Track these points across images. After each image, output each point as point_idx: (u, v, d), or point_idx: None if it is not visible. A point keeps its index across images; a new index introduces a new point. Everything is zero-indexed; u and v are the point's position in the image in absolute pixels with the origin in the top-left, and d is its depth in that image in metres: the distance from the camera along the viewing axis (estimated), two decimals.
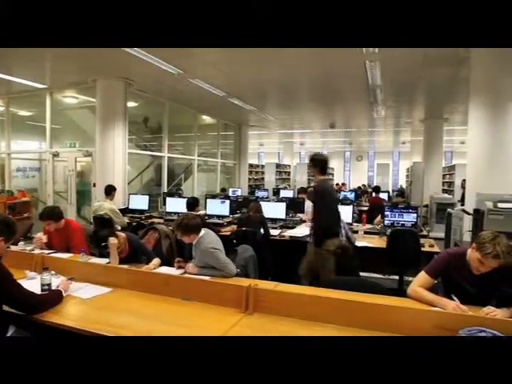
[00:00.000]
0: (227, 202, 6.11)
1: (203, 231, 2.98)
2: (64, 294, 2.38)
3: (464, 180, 7.54)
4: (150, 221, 5.96)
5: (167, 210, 6.58)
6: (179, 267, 3.00)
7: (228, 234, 4.79)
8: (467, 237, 4.55)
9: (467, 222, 4.80)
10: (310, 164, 3.90)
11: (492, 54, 4.81)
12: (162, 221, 6.00)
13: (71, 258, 3.26)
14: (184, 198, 6.32)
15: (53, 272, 2.56)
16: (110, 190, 6.04)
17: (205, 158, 12.14)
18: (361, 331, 1.93)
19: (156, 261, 3.13)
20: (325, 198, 3.64)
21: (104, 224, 4.49)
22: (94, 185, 7.17)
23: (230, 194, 9.49)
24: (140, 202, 6.89)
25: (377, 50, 5.48)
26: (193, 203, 5.32)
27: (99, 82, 6.95)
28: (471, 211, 4.39)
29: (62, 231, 3.61)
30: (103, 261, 3.12)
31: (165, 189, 9.36)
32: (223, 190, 10.67)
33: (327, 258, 3.43)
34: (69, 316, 2.18)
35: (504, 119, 4.82)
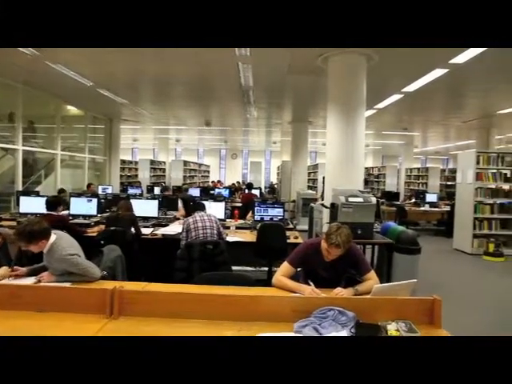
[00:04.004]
0: (94, 200, 5.66)
1: (54, 236, 2.64)
2: None
3: (324, 177, 8.43)
4: None
5: (21, 211, 5.78)
6: (16, 276, 2.62)
7: (95, 234, 4.45)
8: (326, 228, 5.10)
9: (326, 215, 5.38)
10: None
11: (344, 66, 5.49)
12: (14, 223, 5.22)
13: None
14: (43, 196, 5.63)
15: None
16: None
17: (70, 153, 11.03)
18: (227, 323, 2.00)
19: (3, 270, 2.70)
20: None
21: None
22: None
23: (100, 192, 8.82)
24: None
25: (248, 52, 5.72)
26: (54, 202, 4.76)
27: None
28: (329, 205, 4.92)
29: None
30: None
31: (19, 186, 8.20)
32: (89, 185, 9.74)
33: None
34: None
35: (354, 125, 5.54)
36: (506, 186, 7.99)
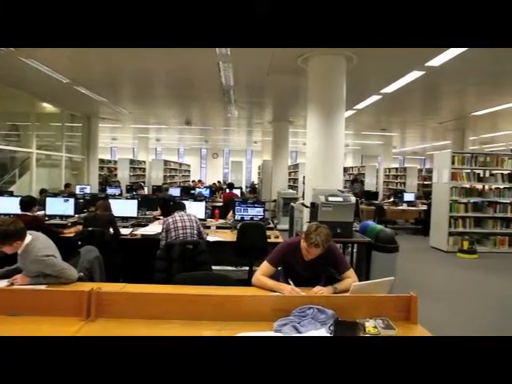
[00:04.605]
0: (71, 200, 5.54)
1: (30, 236, 2.56)
2: None
3: (304, 177, 8.49)
4: None
5: None
6: None
7: (72, 235, 4.35)
8: (306, 227, 5.14)
9: (307, 214, 5.42)
10: None
11: (324, 66, 5.55)
12: None
13: None
14: (17, 196, 5.46)
15: None
16: None
17: (46, 152, 10.75)
18: (207, 323, 1.98)
19: None
20: None
21: None
22: None
23: (78, 192, 8.63)
24: None
25: (229, 52, 5.71)
26: (28, 202, 4.63)
27: None
28: (309, 205, 4.96)
29: None
30: None
31: None
32: (67, 185, 9.54)
33: None
34: None
35: (334, 125, 5.60)
36: (479, 186, 8.24)
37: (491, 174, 8.25)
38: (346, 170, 19.50)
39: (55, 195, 5.92)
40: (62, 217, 5.47)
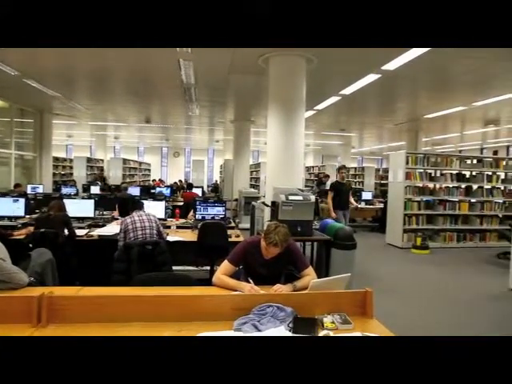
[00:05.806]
0: (22, 200, 5.25)
1: None
2: None
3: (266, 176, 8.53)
4: None
5: None
6: None
7: (22, 237, 4.13)
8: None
9: (268, 213, 5.46)
10: None
11: (284, 67, 5.62)
12: None
13: None
14: None
15: None
16: None
17: None
18: (167, 324, 1.95)
19: None
20: None
21: None
22: None
23: (29, 192, 8.21)
24: None
25: (189, 49, 5.64)
26: None
27: None
28: (270, 204, 5.00)
29: None
30: None
31: None
32: (17, 185, 9.03)
33: None
34: None
35: (294, 125, 5.69)
36: (430, 185, 8.67)
37: (441, 174, 8.72)
38: (307, 169, 19.87)
39: (3, 195, 5.59)
40: (10, 218, 5.18)
